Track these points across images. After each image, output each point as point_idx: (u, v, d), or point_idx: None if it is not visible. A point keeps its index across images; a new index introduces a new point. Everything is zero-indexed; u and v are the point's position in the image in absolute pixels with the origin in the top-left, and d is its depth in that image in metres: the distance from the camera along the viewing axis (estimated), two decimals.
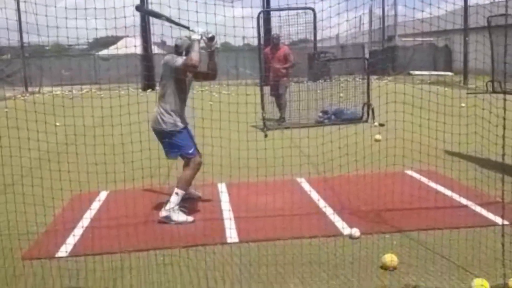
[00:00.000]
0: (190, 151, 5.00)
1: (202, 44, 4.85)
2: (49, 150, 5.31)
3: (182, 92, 5.00)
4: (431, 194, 5.38)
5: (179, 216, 4.86)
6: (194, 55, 4.73)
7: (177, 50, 5.02)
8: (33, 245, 4.35)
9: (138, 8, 4.76)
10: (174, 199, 4.86)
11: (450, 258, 3.81)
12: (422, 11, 4.89)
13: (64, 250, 4.22)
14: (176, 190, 4.90)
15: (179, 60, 4.86)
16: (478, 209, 4.90)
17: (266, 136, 8.94)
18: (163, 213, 4.86)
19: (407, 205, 5.06)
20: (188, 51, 4.88)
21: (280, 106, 11.39)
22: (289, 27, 14.43)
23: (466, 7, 18.71)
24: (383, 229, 4.46)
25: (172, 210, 4.84)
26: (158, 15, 4.89)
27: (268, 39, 12.68)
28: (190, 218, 4.90)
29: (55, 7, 4.99)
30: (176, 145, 4.99)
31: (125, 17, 5.05)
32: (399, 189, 5.34)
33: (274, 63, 11.25)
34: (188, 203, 5.34)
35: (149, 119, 5.04)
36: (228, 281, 3.58)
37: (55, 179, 4.67)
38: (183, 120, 5.04)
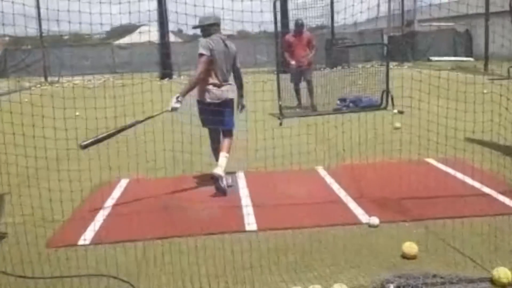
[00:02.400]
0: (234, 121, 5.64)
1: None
2: (69, 138, 5.39)
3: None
4: (451, 182, 5.34)
5: (228, 181, 5.40)
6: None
7: (218, 24, 5.48)
8: (57, 233, 4.44)
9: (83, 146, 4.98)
10: (224, 161, 5.34)
11: (471, 247, 3.78)
12: None
13: (87, 238, 4.30)
14: (226, 154, 5.39)
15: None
16: (500, 197, 4.85)
17: (281, 124, 8.95)
18: (218, 171, 5.21)
19: (427, 193, 5.02)
20: (213, 27, 5.42)
21: (310, 92, 11.30)
22: (306, 11, 14.25)
23: None
24: (403, 217, 4.45)
25: (224, 171, 5.26)
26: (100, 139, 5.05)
27: (287, 24, 12.51)
28: (230, 188, 5.41)
29: None
30: (232, 114, 5.56)
31: (139, 1, 5.08)
32: (419, 177, 5.30)
33: (298, 50, 11.14)
34: (207, 192, 5.39)
35: (227, 89, 5.46)
36: (247, 267, 3.61)
37: (77, 170, 4.74)
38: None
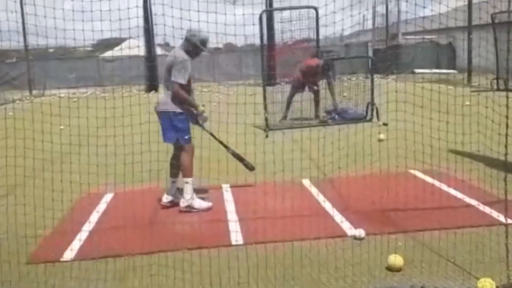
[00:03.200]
0: (187, 137, 5.16)
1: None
2: (53, 151, 5.33)
3: (188, 86, 5.12)
4: (436, 193, 5.37)
5: (201, 203, 5.11)
6: (188, 100, 5.10)
7: (191, 40, 5.10)
8: (39, 248, 4.37)
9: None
10: (188, 189, 5.08)
11: (456, 258, 3.80)
12: (424, 7, 4.89)
13: (69, 254, 4.23)
14: (184, 180, 5.10)
15: (178, 77, 5.00)
16: (483, 208, 4.88)
17: (267, 136, 8.97)
18: (183, 203, 5.06)
19: (412, 205, 5.04)
20: (202, 44, 5.08)
21: (318, 103, 11.53)
22: (291, 24, 14.39)
23: (470, 3, 18.62)
24: (389, 229, 4.45)
25: (192, 198, 5.05)
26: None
27: (271, 38, 12.70)
28: (209, 204, 5.18)
29: (63, 9, 5.04)
30: (175, 129, 5.11)
31: (129, 18, 5.09)
32: (404, 189, 5.32)
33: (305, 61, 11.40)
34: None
35: (157, 100, 5.24)
36: (233, 283, 3.57)
37: (60, 181, 4.68)
38: (186, 108, 5.17)
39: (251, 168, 5.83)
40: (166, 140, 5.26)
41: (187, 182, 5.10)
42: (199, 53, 5.19)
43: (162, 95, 5.20)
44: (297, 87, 11.52)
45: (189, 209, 5.07)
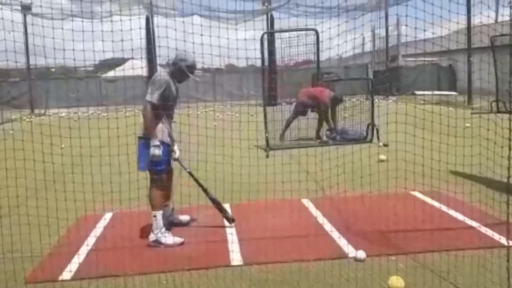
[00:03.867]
0: (160, 168, 4.80)
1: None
2: (54, 171, 5.33)
3: (165, 108, 4.80)
4: (437, 215, 5.34)
5: (167, 239, 4.78)
6: (149, 125, 4.67)
7: (174, 63, 4.90)
8: (37, 268, 4.33)
9: None
10: (155, 223, 4.78)
11: (457, 280, 3.76)
12: (425, 30, 4.93)
13: (68, 273, 4.19)
14: (153, 213, 4.81)
15: (151, 96, 4.71)
16: (484, 230, 4.85)
17: (267, 156, 8.97)
18: (152, 237, 4.80)
19: (412, 227, 5.01)
20: (183, 66, 4.83)
21: (321, 123, 11.57)
22: (292, 47, 14.54)
23: (469, 26, 18.80)
24: (389, 251, 4.42)
25: (160, 233, 4.78)
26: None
27: (274, 59, 12.81)
28: (178, 240, 4.82)
29: (62, 29, 5.12)
30: (148, 156, 4.71)
31: (131, 40, 5.14)
32: (405, 210, 5.30)
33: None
34: (191, 225, 5.33)
35: (137, 123, 4.90)
36: None
37: (60, 200, 4.67)
38: (164, 135, 4.84)
39: (231, 220, 5.26)
40: (139, 169, 4.86)
41: (154, 216, 4.77)
42: (185, 79, 4.96)
43: (141, 119, 4.86)
44: (300, 112, 11.56)
45: (157, 244, 4.75)
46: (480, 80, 5.91)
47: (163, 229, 4.80)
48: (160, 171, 4.82)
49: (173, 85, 4.90)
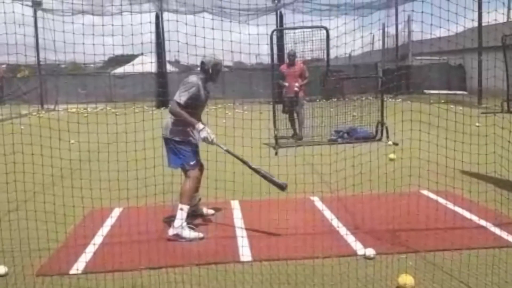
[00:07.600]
0: (192, 163, 5.03)
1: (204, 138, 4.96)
2: (62, 167, 5.34)
3: (194, 108, 4.97)
4: (448, 214, 5.29)
5: (190, 233, 4.84)
6: (184, 117, 4.84)
7: (203, 67, 5.11)
8: (46, 262, 4.34)
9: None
10: (180, 215, 4.86)
11: (469, 280, 3.72)
12: (440, 27, 4.88)
13: (76, 268, 4.20)
14: (180, 206, 4.90)
15: (182, 97, 4.88)
16: (496, 230, 4.80)
17: (276, 153, 8.95)
18: (171, 231, 4.85)
19: (423, 226, 4.98)
20: (213, 69, 5.06)
21: (298, 122, 11.47)
22: (302, 44, 14.50)
23: (480, 26, 18.64)
24: (399, 249, 4.38)
25: (181, 227, 4.82)
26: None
27: (283, 56, 12.81)
28: (200, 234, 4.87)
29: (73, 23, 5.13)
30: (180, 155, 5.01)
31: (141, 34, 5.15)
32: (415, 209, 5.26)
33: (290, 80, 11.35)
34: (201, 221, 5.33)
35: (162, 126, 5.10)
36: None
37: (68, 196, 4.68)
38: (192, 133, 5.05)
39: (283, 187, 5.08)
40: (170, 165, 5.13)
41: (181, 209, 4.87)
42: (215, 78, 5.16)
43: (166, 120, 5.08)
44: (287, 105, 11.54)
45: (177, 238, 4.79)
46: (494, 78, 5.84)
47: (185, 223, 4.87)
48: (193, 166, 5.04)
49: (202, 88, 5.07)
